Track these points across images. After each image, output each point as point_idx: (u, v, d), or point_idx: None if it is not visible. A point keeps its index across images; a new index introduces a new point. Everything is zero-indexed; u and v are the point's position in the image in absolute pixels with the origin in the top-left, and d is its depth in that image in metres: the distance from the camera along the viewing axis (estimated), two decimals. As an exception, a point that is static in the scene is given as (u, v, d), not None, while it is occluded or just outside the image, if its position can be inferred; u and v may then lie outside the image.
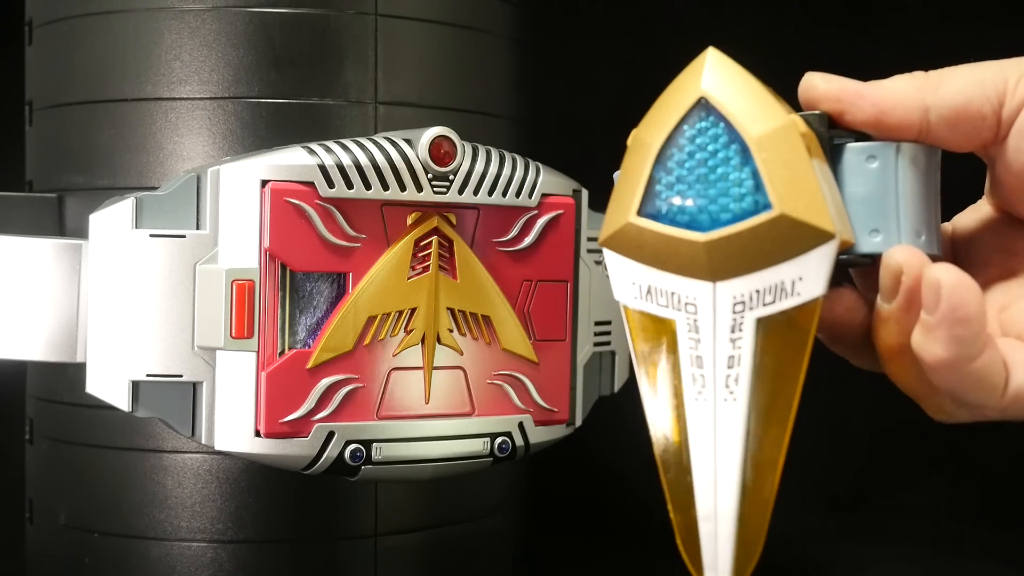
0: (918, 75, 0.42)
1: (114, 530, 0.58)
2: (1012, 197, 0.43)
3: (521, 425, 0.55)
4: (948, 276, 0.37)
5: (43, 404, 0.61)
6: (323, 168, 0.50)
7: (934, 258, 0.39)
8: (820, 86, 0.41)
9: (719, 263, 0.39)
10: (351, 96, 0.56)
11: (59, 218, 0.59)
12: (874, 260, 0.40)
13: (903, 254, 0.38)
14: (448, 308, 0.53)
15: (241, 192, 0.50)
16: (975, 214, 0.45)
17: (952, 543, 0.84)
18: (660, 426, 0.41)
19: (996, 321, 0.42)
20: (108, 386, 0.51)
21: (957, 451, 0.92)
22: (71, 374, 0.56)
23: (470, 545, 0.62)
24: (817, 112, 0.41)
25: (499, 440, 0.54)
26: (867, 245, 0.40)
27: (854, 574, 0.81)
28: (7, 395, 0.69)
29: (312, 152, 0.51)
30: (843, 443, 0.95)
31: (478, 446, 0.54)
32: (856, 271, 0.44)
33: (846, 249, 0.39)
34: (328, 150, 0.51)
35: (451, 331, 0.53)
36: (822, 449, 0.93)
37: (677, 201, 0.40)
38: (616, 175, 0.43)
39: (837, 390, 0.93)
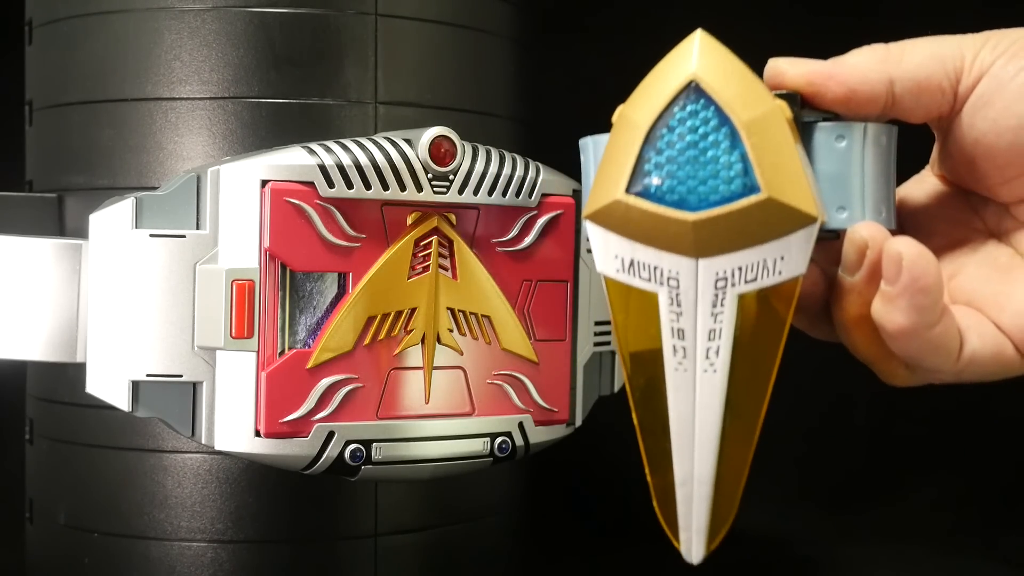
0: (878, 48, 0.43)
1: (114, 530, 0.58)
2: (960, 168, 0.44)
3: (521, 425, 0.55)
4: (909, 248, 0.39)
5: (43, 404, 0.61)
6: (323, 168, 0.50)
7: (892, 232, 0.41)
8: (788, 71, 0.43)
9: (705, 242, 0.40)
10: (351, 96, 0.56)
11: (59, 218, 0.59)
12: (839, 235, 0.42)
13: (868, 229, 0.40)
14: (448, 308, 0.53)
15: (241, 192, 0.50)
16: (920, 186, 0.47)
17: (952, 543, 0.84)
18: (639, 393, 0.42)
19: (945, 289, 0.43)
20: (108, 386, 0.51)
21: (957, 451, 0.92)
22: (71, 374, 0.56)
23: (470, 545, 0.62)
24: (790, 92, 0.42)
25: (499, 440, 0.54)
26: (834, 221, 0.42)
27: (854, 574, 0.81)
28: (7, 395, 0.69)
29: (312, 152, 0.51)
30: (843, 443, 0.95)
31: (478, 446, 0.54)
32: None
33: None
34: (328, 150, 0.51)
35: (451, 331, 0.53)
36: (822, 449, 0.93)
37: (666, 181, 0.40)
38: (582, 141, 0.44)
39: (837, 389, 0.93)
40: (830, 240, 0.42)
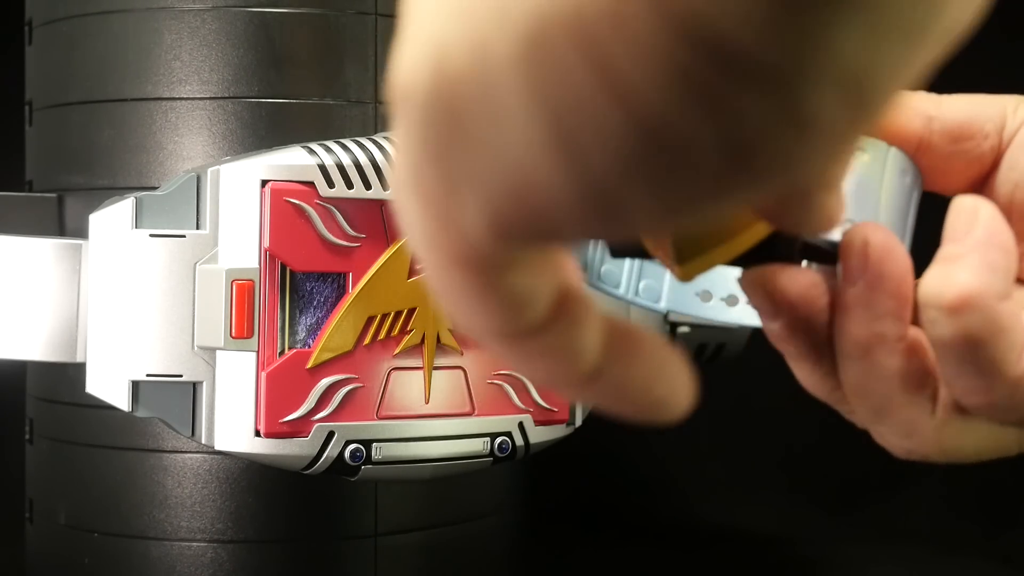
0: (916, 92, 0.40)
1: (114, 530, 0.58)
2: None
3: (521, 425, 0.55)
4: (986, 203, 0.33)
5: (43, 404, 0.61)
6: (323, 168, 0.50)
7: None
8: None
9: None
10: (351, 96, 0.56)
11: (59, 218, 0.58)
12: (835, 257, 0.36)
13: (868, 228, 0.35)
14: (448, 308, 0.53)
15: (241, 192, 0.50)
16: None
17: (952, 543, 0.84)
18: None
19: None
20: (108, 386, 0.51)
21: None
22: (71, 374, 0.56)
23: (470, 545, 0.62)
24: None
25: (499, 440, 0.54)
26: (838, 233, 0.36)
27: (854, 574, 0.81)
28: (7, 395, 0.69)
29: (312, 152, 0.51)
30: (843, 443, 0.95)
31: (478, 446, 0.54)
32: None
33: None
34: (328, 150, 0.51)
35: (451, 331, 0.53)
36: (822, 448, 0.93)
37: None
38: None
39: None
40: (832, 257, 0.37)
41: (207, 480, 0.57)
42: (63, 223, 0.58)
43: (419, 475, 0.53)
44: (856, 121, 0.22)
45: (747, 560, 0.82)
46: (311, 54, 0.56)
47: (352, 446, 0.51)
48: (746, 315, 0.37)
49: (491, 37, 0.21)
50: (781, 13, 0.20)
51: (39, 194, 0.59)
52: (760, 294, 0.36)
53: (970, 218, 0.33)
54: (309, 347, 0.51)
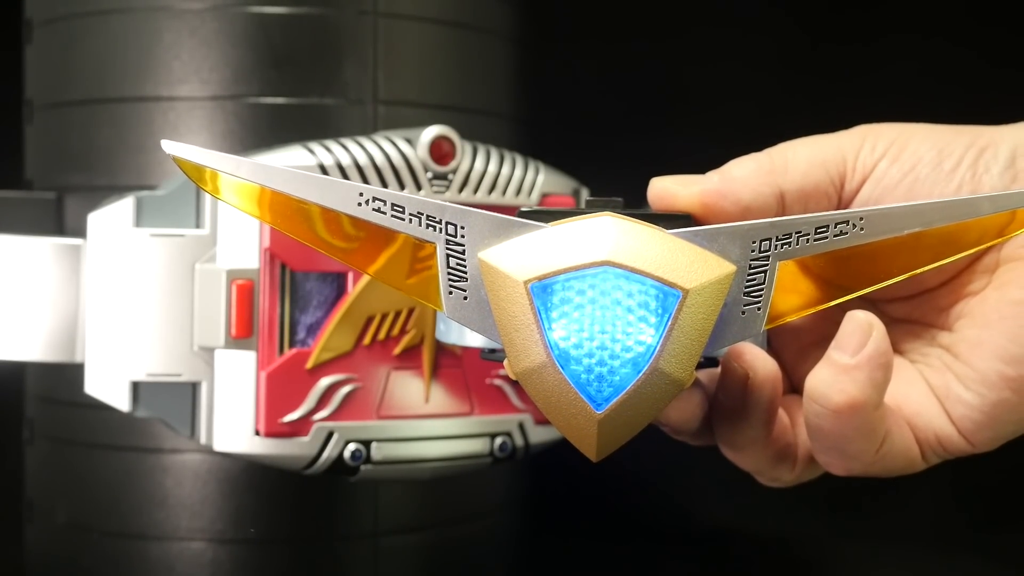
0: (761, 158, 0.43)
1: (114, 530, 0.58)
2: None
3: (521, 425, 0.55)
4: (878, 321, 0.38)
5: (43, 404, 0.61)
6: (323, 168, 0.50)
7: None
8: (680, 193, 0.42)
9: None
10: (350, 95, 0.56)
11: (58, 217, 0.58)
12: (717, 362, 0.41)
13: (746, 354, 0.40)
14: (448, 308, 0.53)
15: (241, 192, 0.50)
16: None
17: (952, 543, 0.84)
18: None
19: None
20: (107, 386, 0.51)
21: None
22: (71, 374, 0.56)
23: (470, 545, 0.62)
24: (683, 215, 0.41)
25: (499, 440, 0.54)
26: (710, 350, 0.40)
27: (854, 574, 0.81)
28: (7, 395, 0.69)
29: (312, 152, 0.51)
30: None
31: (478, 446, 0.54)
32: None
33: None
34: (328, 150, 0.51)
35: (451, 331, 0.53)
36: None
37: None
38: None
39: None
40: (709, 367, 0.42)
41: (207, 480, 0.56)
42: (63, 222, 0.58)
43: (419, 475, 0.53)
44: None
45: (747, 560, 0.82)
46: (311, 54, 0.56)
47: (352, 446, 0.51)
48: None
49: None
50: None
51: (38, 193, 0.59)
52: None
53: (863, 335, 0.38)
54: (309, 347, 0.51)
